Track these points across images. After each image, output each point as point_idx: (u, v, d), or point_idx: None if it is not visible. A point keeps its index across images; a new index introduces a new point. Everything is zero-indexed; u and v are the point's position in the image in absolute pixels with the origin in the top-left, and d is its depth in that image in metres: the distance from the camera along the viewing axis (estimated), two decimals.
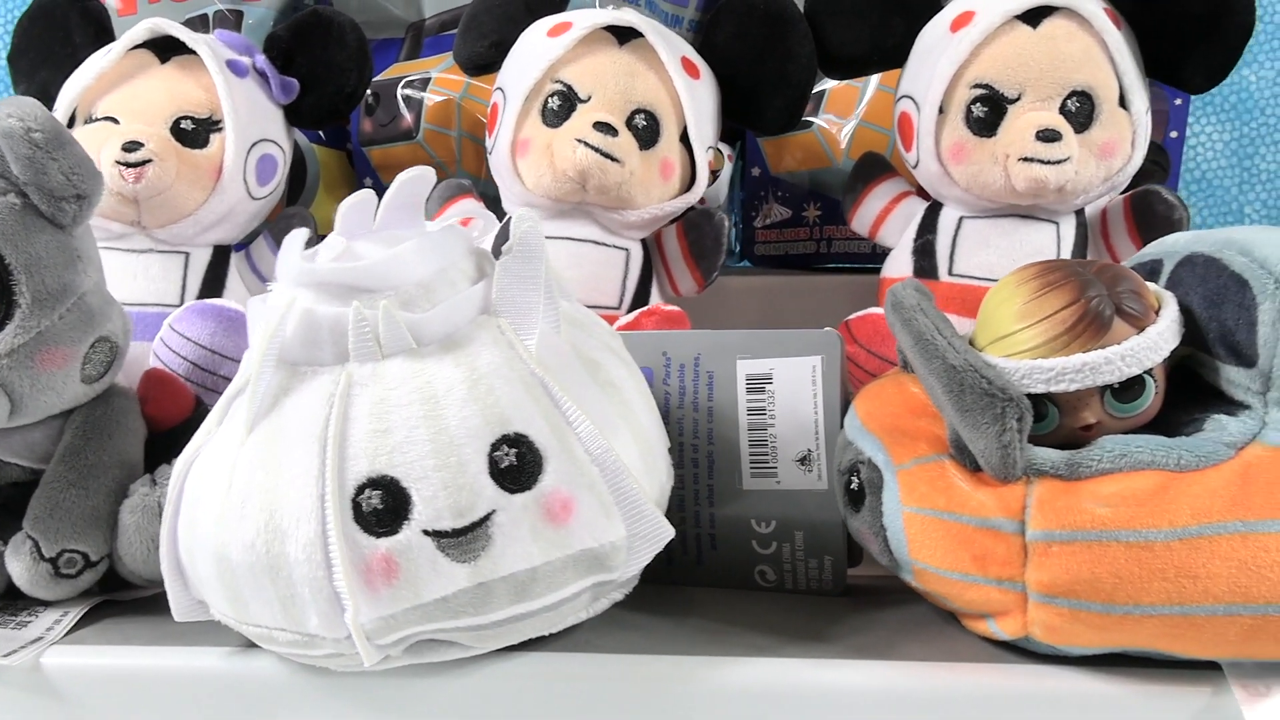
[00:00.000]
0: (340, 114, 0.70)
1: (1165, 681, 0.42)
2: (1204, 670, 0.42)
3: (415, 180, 0.44)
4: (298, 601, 0.40)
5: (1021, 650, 0.43)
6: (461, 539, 0.40)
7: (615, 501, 0.42)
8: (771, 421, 0.51)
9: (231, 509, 0.41)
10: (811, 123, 0.79)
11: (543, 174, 0.62)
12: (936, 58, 0.61)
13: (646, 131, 0.63)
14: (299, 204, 0.82)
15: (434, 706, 0.44)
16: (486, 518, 0.40)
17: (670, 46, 0.63)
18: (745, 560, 0.53)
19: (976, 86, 0.60)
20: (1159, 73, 0.62)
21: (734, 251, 0.87)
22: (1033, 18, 0.60)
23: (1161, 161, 0.81)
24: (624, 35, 0.64)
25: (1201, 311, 0.44)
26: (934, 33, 0.63)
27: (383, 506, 0.39)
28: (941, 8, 0.63)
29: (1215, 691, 0.41)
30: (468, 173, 0.79)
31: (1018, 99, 0.60)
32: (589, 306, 0.62)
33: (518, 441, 0.41)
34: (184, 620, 0.45)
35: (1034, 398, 0.43)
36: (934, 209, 0.65)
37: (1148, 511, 0.39)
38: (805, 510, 0.51)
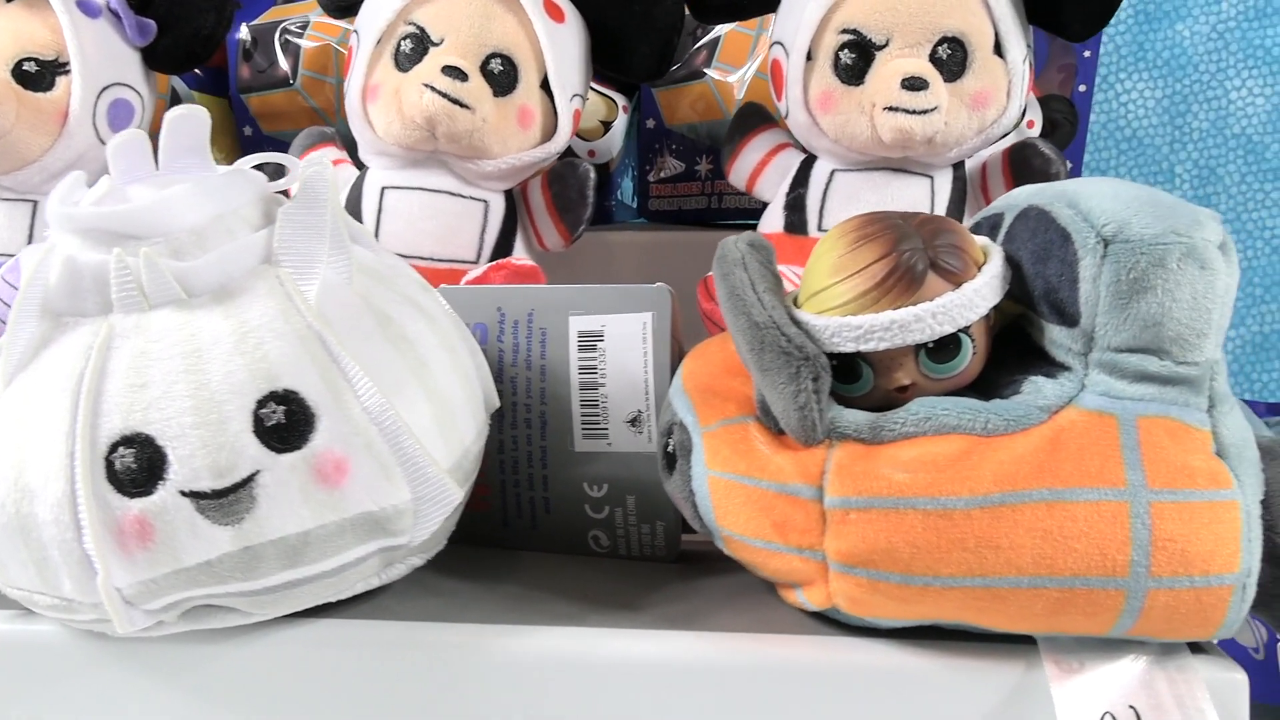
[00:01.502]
0: (199, 58, 0.67)
1: (979, 656, 0.40)
2: (1022, 645, 0.40)
3: (187, 119, 0.41)
4: (50, 564, 0.38)
5: (836, 622, 0.41)
6: (222, 501, 0.37)
7: (396, 463, 0.39)
8: (603, 381, 0.49)
9: None
10: (705, 73, 0.77)
11: (391, 121, 0.59)
12: (805, 2, 0.58)
13: (503, 77, 0.60)
14: None
15: (216, 673, 0.42)
16: (250, 478, 0.37)
17: None
18: (579, 525, 0.51)
19: (845, 32, 0.57)
20: (1039, 19, 0.59)
21: (631, 206, 0.84)
22: None
23: (1069, 116, 0.78)
24: None
25: (1029, 267, 0.41)
26: None
27: (136, 465, 0.37)
28: None
29: (1029, 667, 0.39)
30: (347, 121, 0.76)
31: (886, 45, 0.57)
32: (444, 260, 0.60)
33: (286, 398, 0.38)
34: None
35: (847, 357, 0.40)
36: (809, 162, 0.62)
37: (948, 478, 0.37)
38: (636, 473, 0.49)
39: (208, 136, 0.42)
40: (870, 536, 0.37)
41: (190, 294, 0.39)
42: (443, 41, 0.59)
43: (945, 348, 0.40)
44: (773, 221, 0.62)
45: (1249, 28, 1.00)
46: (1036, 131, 0.78)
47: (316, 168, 0.41)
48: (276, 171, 0.45)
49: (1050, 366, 0.40)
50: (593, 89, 0.81)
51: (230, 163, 0.80)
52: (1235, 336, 1.02)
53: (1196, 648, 0.40)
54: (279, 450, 0.38)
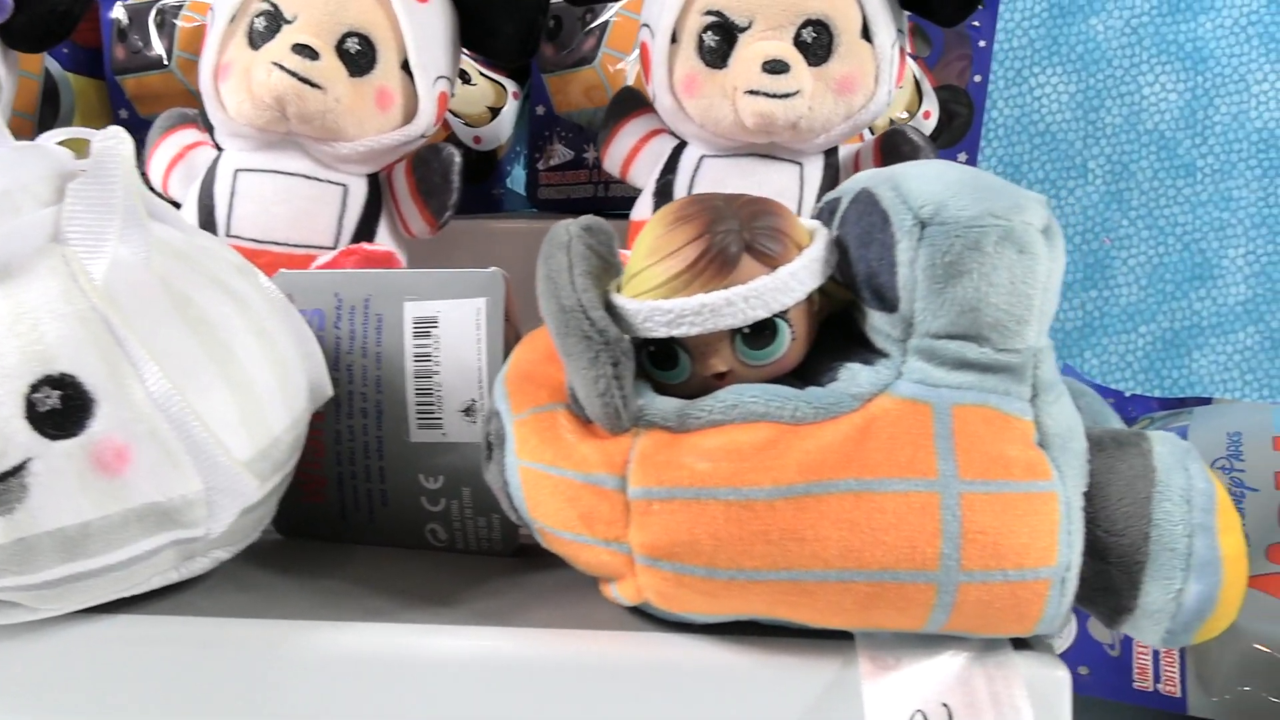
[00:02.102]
0: (56, 35, 0.65)
1: (795, 653, 0.38)
2: (844, 641, 0.38)
3: None
4: None
5: (654, 618, 0.40)
6: None
7: (185, 451, 0.38)
8: (437, 369, 0.47)
9: None
10: (594, 58, 0.75)
11: (242, 100, 0.57)
12: None
13: (360, 57, 0.58)
14: None
15: (5, 672, 0.39)
16: (21, 466, 0.36)
17: None
18: (416, 518, 0.49)
19: (708, 14, 0.56)
20: (910, 4, 0.58)
21: (522, 195, 0.82)
22: None
23: (966, 106, 0.77)
24: None
25: (853, 251, 0.40)
26: None
27: None
28: None
29: (846, 664, 0.38)
30: None
31: (749, 27, 0.55)
32: (300, 246, 0.58)
33: (62, 382, 0.36)
34: None
35: (665, 343, 0.39)
36: (680, 148, 0.61)
37: (751, 467, 0.35)
38: (472, 465, 0.47)
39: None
40: (673, 528, 0.36)
41: None
42: (296, 19, 0.57)
43: (761, 333, 0.38)
44: (643, 209, 0.61)
45: (1162, 23, 1.00)
46: (933, 122, 0.77)
47: (110, 141, 0.39)
48: None
49: (870, 353, 0.39)
50: (483, 74, 0.79)
51: None
52: (1147, 333, 1.02)
53: (1022, 644, 0.39)
54: (53, 437, 0.36)
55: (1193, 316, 1.01)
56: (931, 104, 0.77)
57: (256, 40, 0.58)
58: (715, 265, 0.37)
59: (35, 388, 0.36)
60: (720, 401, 0.37)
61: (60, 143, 0.42)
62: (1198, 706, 0.50)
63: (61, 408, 0.36)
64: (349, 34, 0.58)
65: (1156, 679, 0.51)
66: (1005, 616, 0.36)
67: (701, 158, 0.59)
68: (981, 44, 0.77)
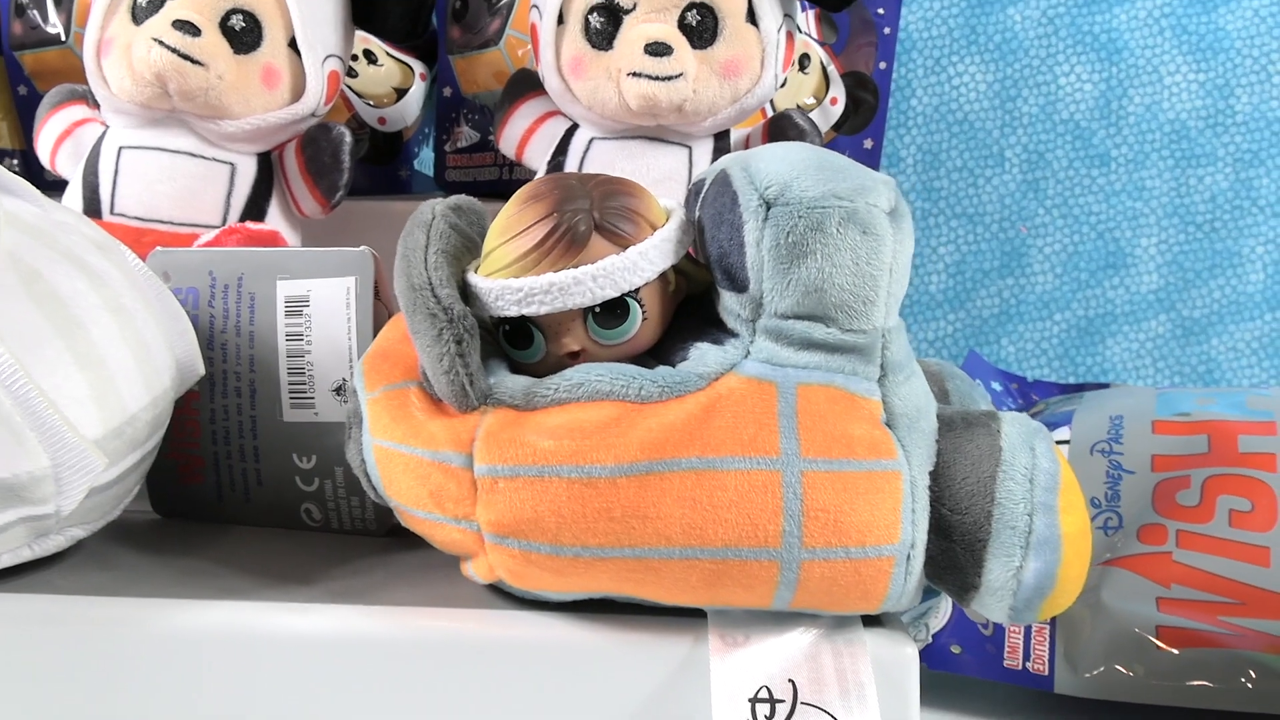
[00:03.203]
0: None
1: (647, 630, 0.39)
2: (697, 619, 0.39)
3: None
4: None
5: (511, 596, 0.40)
6: None
7: (30, 428, 0.37)
8: (309, 348, 0.47)
9: None
10: (499, 41, 0.75)
11: (123, 77, 0.56)
12: None
13: (245, 34, 0.57)
14: None
15: None
16: None
17: None
18: (291, 498, 0.49)
19: None
20: None
21: (429, 176, 0.82)
22: None
23: (872, 92, 0.78)
24: None
25: (708, 232, 0.40)
26: None
27: None
28: None
29: (697, 641, 0.38)
30: None
31: (633, 9, 0.55)
32: (186, 225, 0.58)
33: None
34: None
35: (520, 322, 0.39)
36: (571, 130, 0.61)
37: (593, 445, 0.36)
38: (342, 444, 0.47)
39: None
40: (517, 505, 0.36)
41: None
42: None
43: (612, 313, 0.38)
44: None
45: (1078, 14, 1.01)
46: (840, 109, 0.78)
47: None
48: None
49: (722, 334, 0.39)
50: (390, 55, 0.79)
51: (8, 125, 0.77)
52: (1061, 321, 1.03)
53: (875, 622, 0.39)
54: None
55: (1106, 304, 1.02)
56: (838, 90, 0.77)
57: (139, 15, 0.57)
58: (564, 244, 0.38)
59: None
60: (567, 380, 0.37)
61: None
62: (1064, 684, 0.51)
63: None
64: (233, 10, 0.57)
65: (1026, 657, 0.52)
66: (850, 594, 0.36)
67: (591, 140, 0.59)
68: (887, 31, 0.78)
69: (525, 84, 0.64)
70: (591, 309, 0.38)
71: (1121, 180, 1.01)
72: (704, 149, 0.59)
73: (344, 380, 0.47)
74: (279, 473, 0.48)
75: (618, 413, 0.36)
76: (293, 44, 0.59)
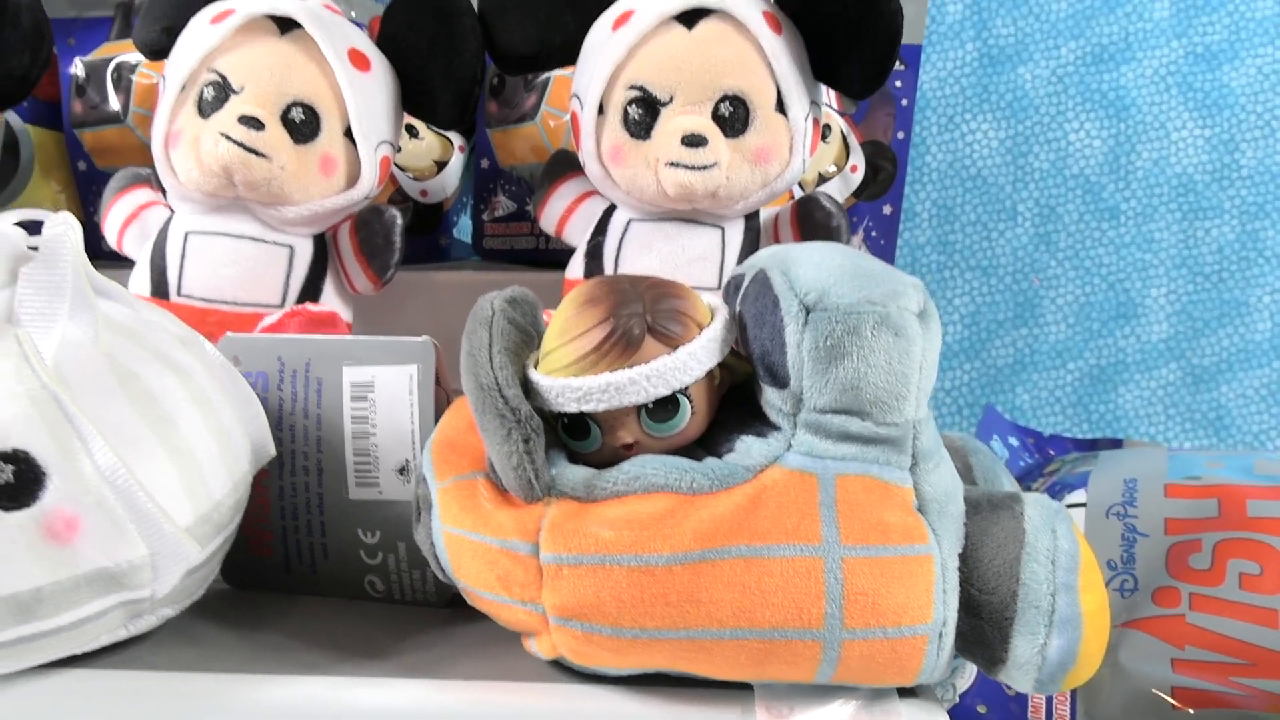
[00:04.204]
0: (13, 98, 0.68)
1: (698, 702, 0.42)
2: (745, 690, 0.42)
3: None
4: None
5: (570, 670, 0.43)
6: None
7: (130, 519, 0.40)
8: (374, 430, 0.50)
9: None
10: (535, 115, 0.78)
11: (191, 168, 0.60)
12: (597, 57, 0.60)
13: (304, 126, 0.61)
14: (12, 186, 0.79)
15: None
16: None
17: (334, 38, 0.61)
18: (356, 570, 0.52)
19: (632, 88, 0.59)
20: (823, 77, 0.62)
21: (468, 244, 0.85)
22: (690, 19, 0.59)
23: (890, 161, 0.81)
24: (288, 24, 0.62)
25: (749, 330, 0.43)
26: (598, 31, 0.61)
27: None
28: (609, 6, 0.62)
29: (744, 711, 0.41)
30: None
31: (670, 101, 0.59)
32: (249, 305, 0.61)
33: (15, 458, 0.39)
34: None
35: (578, 416, 0.42)
36: (610, 210, 0.64)
37: (650, 535, 0.39)
38: (406, 521, 0.50)
39: None
40: (581, 591, 0.39)
41: None
42: (243, 89, 0.60)
43: (664, 408, 0.42)
44: (575, 268, 0.64)
45: (1087, 73, 1.04)
46: (860, 176, 0.81)
47: (60, 228, 0.42)
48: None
49: (764, 426, 0.42)
50: (429, 129, 0.82)
51: (67, 197, 0.81)
52: (1074, 370, 1.06)
53: (908, 692, 0.42)
54: (6, 509, 0.39)
55: (1118, 354, 1.05)
56: (858, 158, 0.81)
57: (205, 109, 0.61)
58: (620, 346, 0.41)
59: None
60: (624, 473, 0.40)
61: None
62: None
63: (14, 481, 0.39)
64: (293, 104, 0.61)
65: (1049, 717, 0.55)
66: (887, 669, 0.39)
67: (629, 221, 0.63)
68: (904, 103, 0.81)
69: (565, 164, 0.67)
70: (645, 405, 0.41)
71: (1131, 233, 1.05)
72: (736, 229, 0.62)
73: (407, 461, 0.50)
74: (344, 547, 0.52)
75: (672, 504, 0.39)
76: (348, 133, 0.62)
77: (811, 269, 0.41)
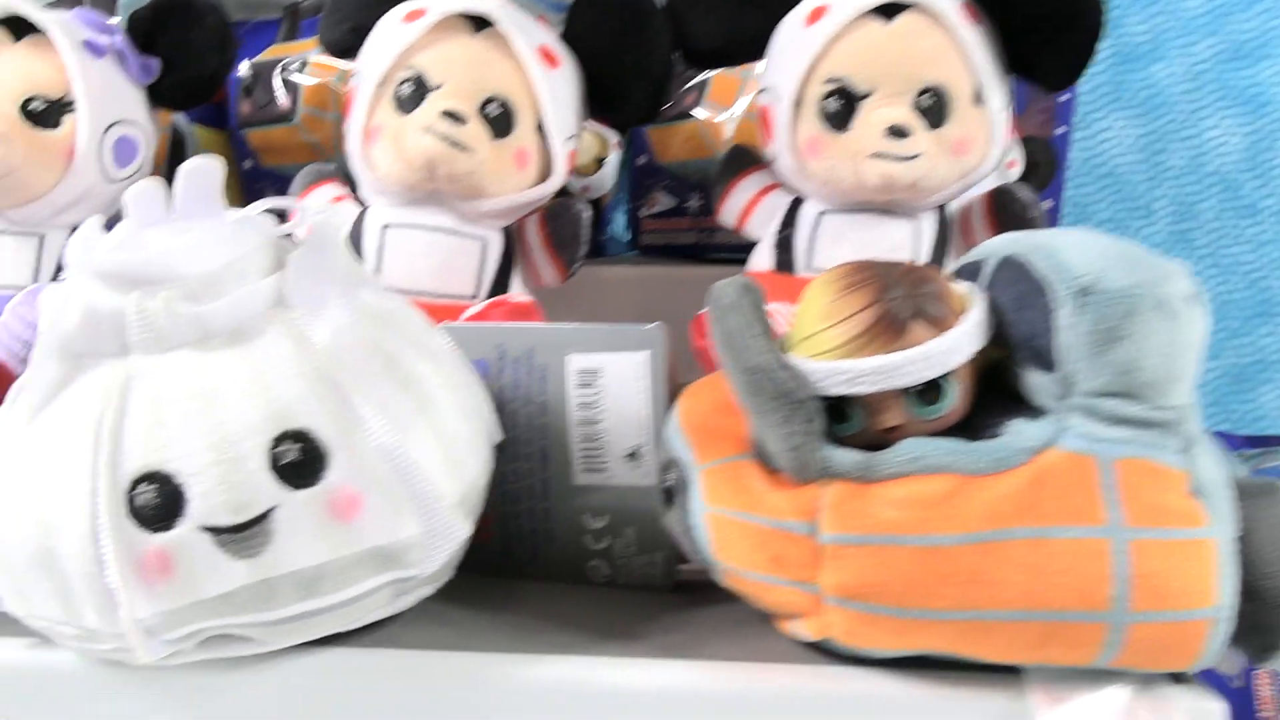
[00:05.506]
0: (202, 96, 0.69)
1: (965, 685, 0.41)
2: (1007, 673, 0.41)
3: (199, 171, 0.43)
4: (74, 596, 0.40)
5: (828, 651, 0.43)
6: (240, 535, 0.39)
7: (406, 498, 0.41)
8: (601, 417, 0.51)
9: (7, 501, 0.40)
10: (694, 113, 0.79)
11: (392, 162, 0.61)
12: (792, 51, 0.60)
13: (500, 120, 0.62)
14: None
15: (232, 701, 0.43)
16: (267, 514, 0.39)
17: (527, 35, 0.62)
18: (579, 555, 0.53)
19: (830, 81, 0.60)
20: (1018, 69, 0.61)
21: (623, 241, 0.86)
22: (887, 13, 0.59)
23: (1049, 156, 0.81)
24: (481, 22, 0.62)
25: (1010, 315, 0.43)
26: (790, 26, 0.62)
27: (157, 501, 0.39)
28: (798, 1, 0.62)
29: (1013, 696, 0.41)
30: (346, 156, 0.78)
31: (869, 94, 0.59)
32: (444, 296, 0.62)
33: (300, 437, 0.40)
34: None
35: (838, 399, 0.42)
36: (796, 203, 0.64)
37: (937, 515, 0.39)
38: (636, 506, 0.51)
39: (220, 185, 0.44)
40: (864, 571, 0.39)
41: (206, 336, 0.41)
42: (441, 86, 0.61)
43: (931, 391, 0.42)
44: (762, 260, 0.64)
45: (1224, 69, 1.03)
46: (1018, 171, 0.81)
47: (326, 214, 0.43)
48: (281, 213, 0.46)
49: (1031, 410, 0.42)
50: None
51: (231, 194, 0.82)
52: (1214, 369, 1.05)
53: (1176, 678, 0.42)
54: (295, 486, 0.39)
55: (1258, 352, 1.04)
56: (1017, 154, 0.80)
57: (403, 105, 0.62)
58: (890, 330, 0.41)
59: (277, 442, 0.39)
60: (902, 455, 0.40)
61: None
62: None
63: (301, 459, 0.39)
64: (490, 99, 0.61)
65: None
66: (1169, 654, 0.39)
67: (821, 213, 0.63)
68: (1064, 97, 0.81)
69: (744, 159, 0.67)
70: (911, 388, 0.41)
71: (1271, 230, 1.03)
72: (929, 221, 0.62)
73: (639, 446, 0.50)
74: (568, 532, 0.52)
75: (953, 485, 0.39)
76: (538, 128, 0.63)
77: (1079, 253, 0.41)
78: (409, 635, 0.45)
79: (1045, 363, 0.41)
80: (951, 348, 0.41)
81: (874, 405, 0.42)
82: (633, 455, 0.50)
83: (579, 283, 0.76)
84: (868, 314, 0.41)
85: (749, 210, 0.66)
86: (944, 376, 0.42)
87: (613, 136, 0.83)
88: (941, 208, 0.63)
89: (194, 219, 0.44)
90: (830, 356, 0.42)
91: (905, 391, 0.42)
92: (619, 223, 0.86)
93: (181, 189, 0.43)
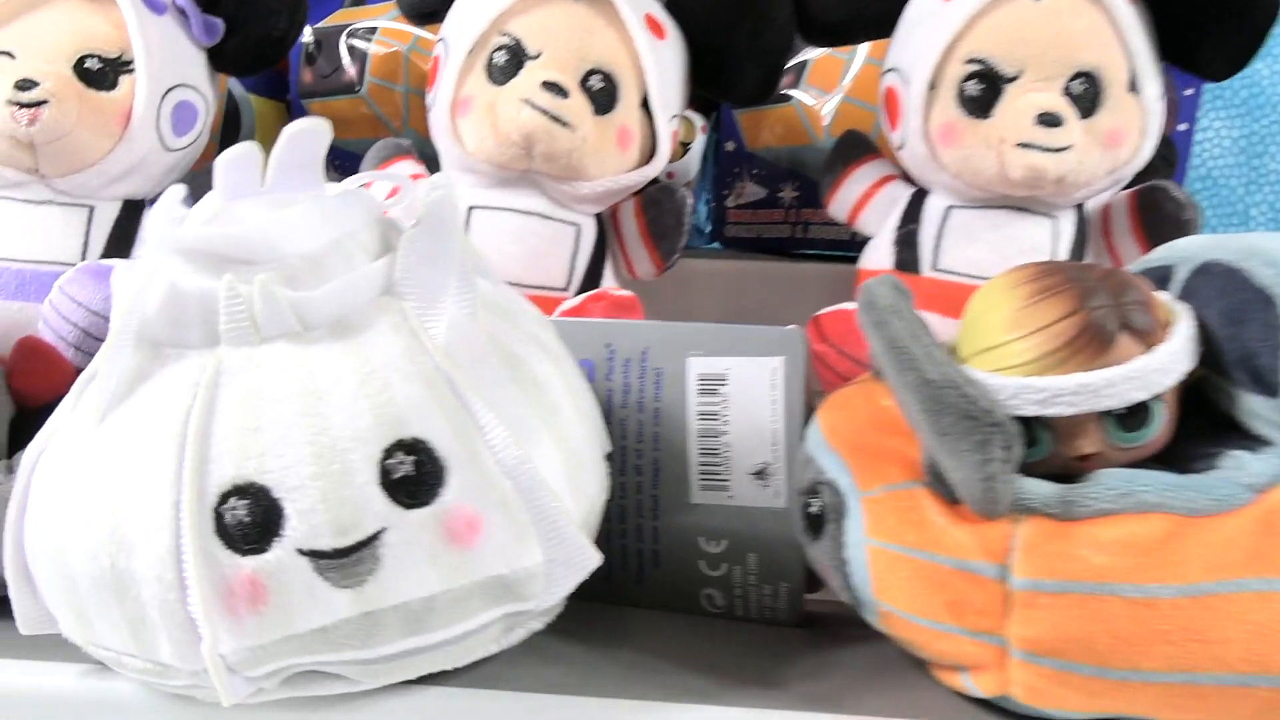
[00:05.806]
0: (268, 60, 0.64)
1: None
2: None
3: (307, 134, 0.37)
4: (147, 625, 0.34)
5: (997, 709, 0.38)
6: (344, 560, 0.33)
7: (531, 521, 0.36)
8: (725, 428, 0.45)
9: (74, 513, 0.35)
10: (791, 96, 0.73)
11: (484, 137, 0.55)
12: (928, 28, 0.55)
13: (602, 94, 0.56)
14: None
15: None
16: (375, 537, 0.34)
17: (633, 1, 0.57)
18: (691, 581, 0.47)
19: (971, 62, 0.54)
20: (1174, 57, 0.56)
21: (704, 232, 0.80)
22: None
23: (1168, 155, 0.75)
24: None
25: (1220, 329, 0.38)
26: (925, 1, 0.56)
27: (250, 519, 0.33)
28: None
29: None
30: (415, 132, 0.72)
31: (1016, 77, 0.53)
32: (533, 287, 0.56)
33: (415, 448, 0.34)
34: (32, 633, 0.39)
35: (1023, 421, 0.37)
36: (919, 196, 0.59)
37: (1154, 563, 0.33)
38: (760, 530, 0.45)
39: (325, 153, 0.38)
40: (1064, 624, 0.34)
41: (306, 327, 0.35)
42: (540, 55, 0.56)
43: (1136, 415, 0.36)
44: (879, 258, 0.59)
45: None
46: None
47: (442, 191, 0.38)
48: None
49: (1249, 439, 0.37)
50: None
51: None
52: None
53: None
54: (407, 505, 0.34)
55: None
56: None
57: (496, 75, 0.56)
58: (1095, 344, 0.36)
59: (389, 453, 0.34)
60: (1108, 489, 0.35)
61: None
62: None
63: (415, 474, 0.34)
64: (593, 71, 0.56)
65: None
66: None
67: (949, 208, 0.57)
68: (1188, 92, 0.75)
69: (859, 147, 0.62)
70: (1113, 410, 0.36)
71: None
72: (1068, 220, 0.56)
73: (766, 463, 0.45)
74: (681, 555, 0.47)
75: (1171, 527, 0.34)
76: (643, 104, 0.57)
77: None
78: (515, 674, 0.40)
79: (1266, 386, 0.36)
80: (1164, 366, 0.36)
81: (1067, 429, 0.37)
82: (759, 473, 0.45)
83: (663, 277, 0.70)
84: (1068, 324, 0.36)
85: (864, 202, 0.61)
86: (1153, 399, 0.36)
87: (699, 120, 0.78)
88: (1079, 205, 0.57)
89: (289, 190, 0.38)
90: (1020, 372, 0.36)
91: (1105, 414, 0.36)
92: (700, 213, 0.80)
93: (282, 155, 0.37)
